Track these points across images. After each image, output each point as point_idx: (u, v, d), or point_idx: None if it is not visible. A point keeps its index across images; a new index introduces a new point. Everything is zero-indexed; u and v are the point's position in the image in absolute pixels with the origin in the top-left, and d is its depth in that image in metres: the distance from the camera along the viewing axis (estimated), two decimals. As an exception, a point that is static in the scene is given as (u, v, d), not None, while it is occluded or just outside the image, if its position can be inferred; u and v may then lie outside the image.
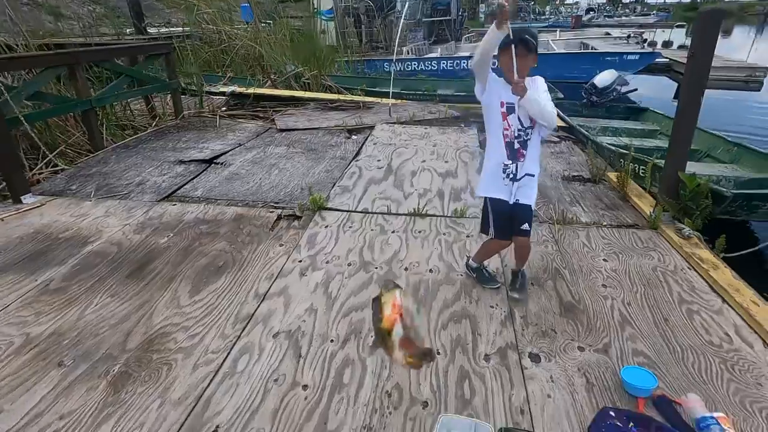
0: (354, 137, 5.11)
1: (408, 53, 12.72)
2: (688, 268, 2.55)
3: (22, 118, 3.57)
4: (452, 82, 8.93)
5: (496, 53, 1.85)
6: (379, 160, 4.29)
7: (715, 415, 1.52)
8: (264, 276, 2.45)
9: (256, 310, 2.17)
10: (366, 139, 4.98)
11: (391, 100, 6.29)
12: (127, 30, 11.28)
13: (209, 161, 4.26)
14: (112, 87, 4.74)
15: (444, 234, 2.90)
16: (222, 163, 4.22)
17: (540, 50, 1.98)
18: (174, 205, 3.34)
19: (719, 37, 2.79)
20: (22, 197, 3.34)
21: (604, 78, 6.61)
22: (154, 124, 5.54)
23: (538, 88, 1.92)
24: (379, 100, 6.84)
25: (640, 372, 1.75)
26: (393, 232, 2.93)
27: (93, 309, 2.18)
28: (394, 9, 14.34)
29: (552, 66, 10.28)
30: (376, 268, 2.53)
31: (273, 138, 5.10)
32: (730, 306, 2.21)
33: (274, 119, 5.85)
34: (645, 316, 2.14)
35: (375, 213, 3.20)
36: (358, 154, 4.51)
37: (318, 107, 6.56)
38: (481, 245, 2.38)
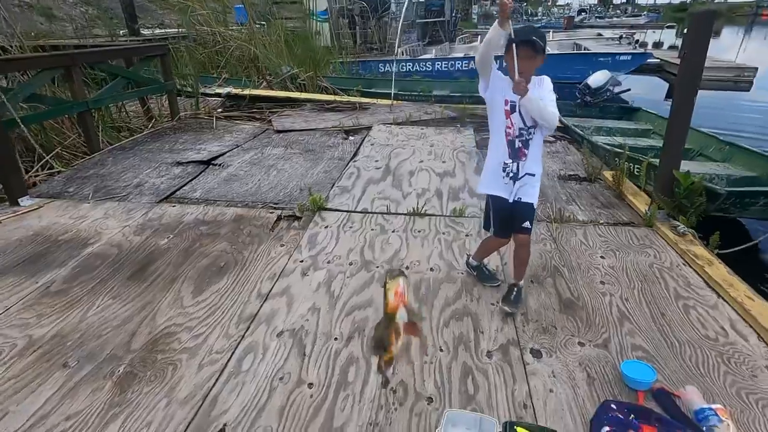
0: (351, 138, 5.13)
1: (403, 54, 12.77)
2: (684, 264, 2.59)
3: (19, 120, 3.56)
4: (447, 83, 8.98)
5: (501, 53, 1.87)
6: (377, 161, 4.32)
7: (713, 406, 1.56)
8: (266, 276, 2.46)
9: (259, 310, 2.18)
10: (363, 140, 5.01)
11: (392, 101, 6.32)
12: (121, 31, 11.22)
13: (207, 162, 4.26)
14: (108, 88, 4.73)
15: (443, 233, 2.92)
16: (220, 165, 4.22)
17: None
18: (173, 206, 3.34)
19: (709, 37, 2.85)
20: (19, 199, 3.33)
21: (597, 78, 6.70)
22: (150, 125, 5.53)
23: (543, 89, 1.92)
24: (375, 101, 6.87)
25: (640, 366, 1.78)
26: (393, 231, 2.95)
27: (95, 310, 2.18)
28: (389, 10, 14.39)
29: (546, 66, 10.34)
30: (378, 267, 2.55)
31: (270, 139, 5.11)
32: (725, 301, 2.26)
33: (271, 120, 5.86)
34: (643, 312, 2.18)
35: (374, 213, 3.22)
36: (355, 154, 4.53)
37: (314, 108, 6.57)
38: (481, 243, 2.41)
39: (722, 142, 4.61)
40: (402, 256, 2.66)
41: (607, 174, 3.81)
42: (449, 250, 2.72)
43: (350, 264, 2.58)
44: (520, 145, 1.96)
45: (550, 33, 17.19)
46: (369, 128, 5.52)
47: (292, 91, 7.39)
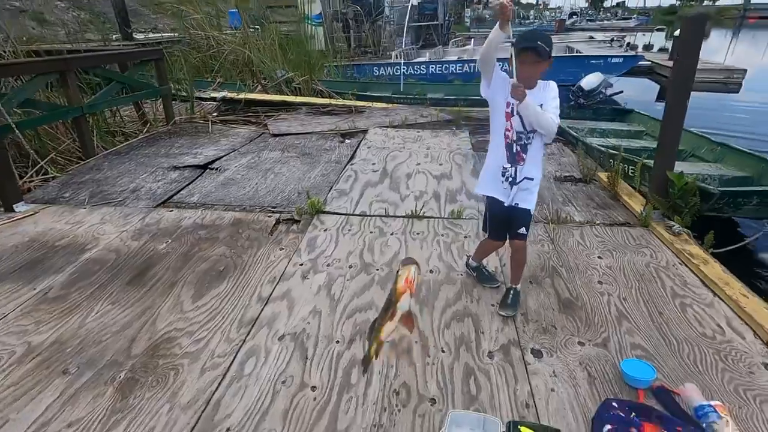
0: (348, 141, 5.14)
1: (397, 57, 12.82)
2: (680, 263, 2.63)
3: (13, 126, 3.53)
4: (442, 86, 9.03)
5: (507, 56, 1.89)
6: (374, 164, 4.33)
7: (711, 403, 1.59)
8: (266, 280, 2.46)
9: (260, 314, 2.18)
10: (360, 143, 5.02)
11: (397, 105, 6.34)
12: (114, 36, 11.17)
13: (204, 167, 4.25)
14: (103, 93, 4.71)
15: (442, 235, 2.94)
16: (217, 169, 4.21)
17: None
18: (171, 211, 3.32)
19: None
20: (14, 205, 3.30)
21: (590, 81, 6.77)
22: (145, 130, 5.51)
23: (547, 94, 1.91)
24: (371, 104, 6.89)
25: (639, 364, 1.80)
26: (392, 234, 2.96)
27: (94, 316, 2.17)
28: (382, 14, 14.44)
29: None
30: (377, 269, 2.56)
31: (266, 143, 5.11)
32: (721, 299, 2.29)
33: (267, 124, 5.86)
34: (641, 311, 2.21)
35: (373, 215, 3.23)
36: (352, 157, 4.54)
37: (310, 112, 6.58)
38: (479, 244, 2.43)
39: (714, 143, 4.67)
40: (401, 258, 2.67)
41: (602, 175, 3.86)
42: (448, 252, 2.73)
43: (350, 267, 2.58)
44: (518, 149, 1.96)
45: None
46: (365, 131, 5.54)
47: (288, 95, 7.40)
